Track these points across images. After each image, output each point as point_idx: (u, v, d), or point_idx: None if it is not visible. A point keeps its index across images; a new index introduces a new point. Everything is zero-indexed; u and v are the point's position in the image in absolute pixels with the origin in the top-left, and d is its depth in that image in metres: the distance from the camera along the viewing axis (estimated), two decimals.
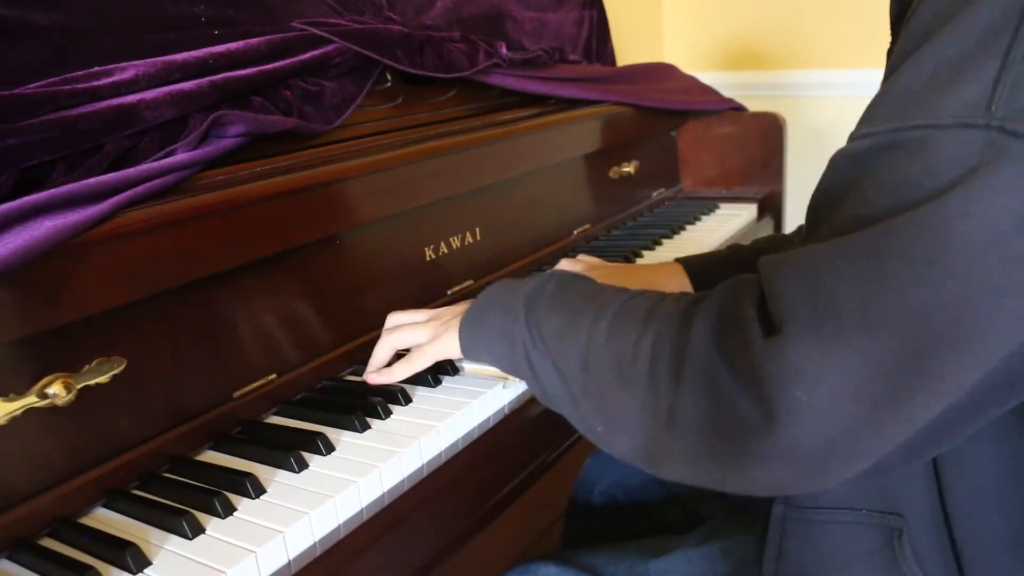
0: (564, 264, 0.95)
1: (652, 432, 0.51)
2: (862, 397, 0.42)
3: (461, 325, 0.70)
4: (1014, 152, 0.39)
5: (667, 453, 0.51)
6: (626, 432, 0.54)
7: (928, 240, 0.40)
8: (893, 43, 0.54)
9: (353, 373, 0.84)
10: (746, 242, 0.96)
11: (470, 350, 0.69)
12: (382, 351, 0.77)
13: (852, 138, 0.47)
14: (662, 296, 0.56)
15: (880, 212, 0.42)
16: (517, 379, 0.69)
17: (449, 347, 0.71)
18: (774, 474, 0.46)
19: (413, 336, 0.75)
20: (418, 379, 0.78)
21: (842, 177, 0.47)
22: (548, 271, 0.68)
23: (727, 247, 0.95)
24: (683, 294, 0.56)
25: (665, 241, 1.27)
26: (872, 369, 0.41)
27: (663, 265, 0.93)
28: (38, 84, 0.67)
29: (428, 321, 0.76)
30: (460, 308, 0.73)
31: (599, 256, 1.18)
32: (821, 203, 0.49)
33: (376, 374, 0.76)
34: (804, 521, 0.60)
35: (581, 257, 0.96)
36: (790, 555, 0.61)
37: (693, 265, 0.92)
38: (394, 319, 0.79)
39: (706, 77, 1.64)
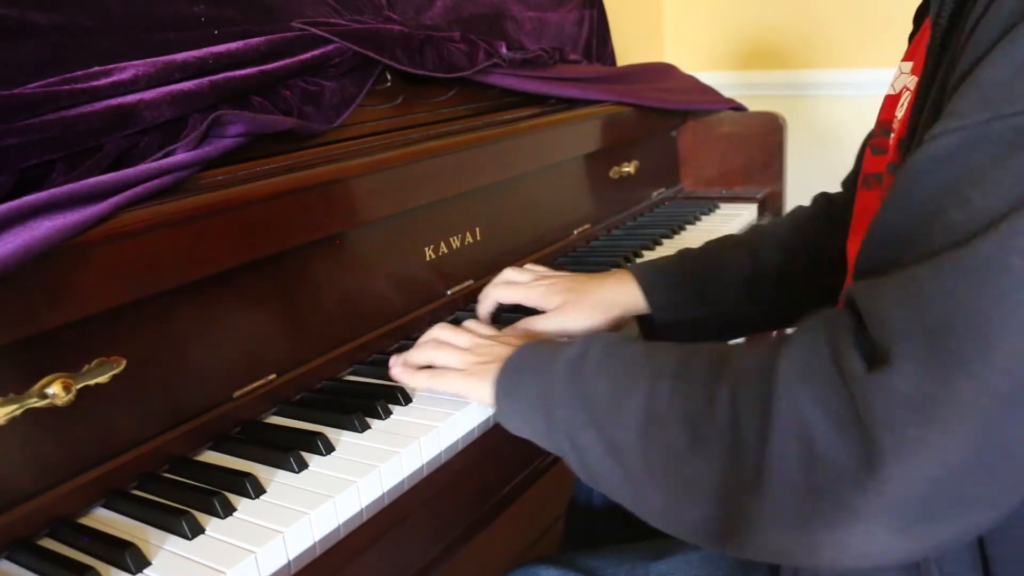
0: (508, 273, 0.91)
1: (733, 497, 0.46)
2: (977, 433, 0.38)
3: (497, 390, 0.65)
4: None
5: (749, 521, 0.45)
6: (698, 502, 0.48)
7: None
8: (937, 37, 0.51)
9: (353, 373, 0.84)
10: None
11: (505, 419, 0.65)
12: (419, 356, 0.74)
13: (933, 135, 0.42)
14: (729, 347, 0.52)
15: (986, 217, 0.38)
16: None
17: (481, 396, 0.68)
18: (872, 534, 0.41)
19: (448, 357, 0.72)
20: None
21: (929, 183, 0.42)
22: (587, 336, 0.62)
23: (676, 252, 0.90)
24: (753, 345, 0.51)
25: (665, 241, 1.27)
26: (989, 400, 0.37)
27: (611, 274, 0.88)
28: (37, 84, 0.67)
29: (469, 349, 0.72)
30: (499, 351, 0.69)
31: (599, 256, 1.18)
32: (910, 218, 0.43)
33: (400, 369, 0.74)
34: None
35: (528, 266, 0.92)
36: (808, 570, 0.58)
37: (642, 273, 0.86)
38: (436, 332, 0.76)
39: (706, 77, 1.64)
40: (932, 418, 0.38)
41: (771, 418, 0.44)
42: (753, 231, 0.92)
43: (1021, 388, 0.37)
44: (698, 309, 0.85)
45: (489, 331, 0.76)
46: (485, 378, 0.67)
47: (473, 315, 0.93)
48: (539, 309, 0.87)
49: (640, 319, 0.88)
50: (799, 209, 0.93)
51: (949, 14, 0.49)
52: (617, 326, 0.86)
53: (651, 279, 0.86)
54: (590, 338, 0.61)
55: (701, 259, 0.88)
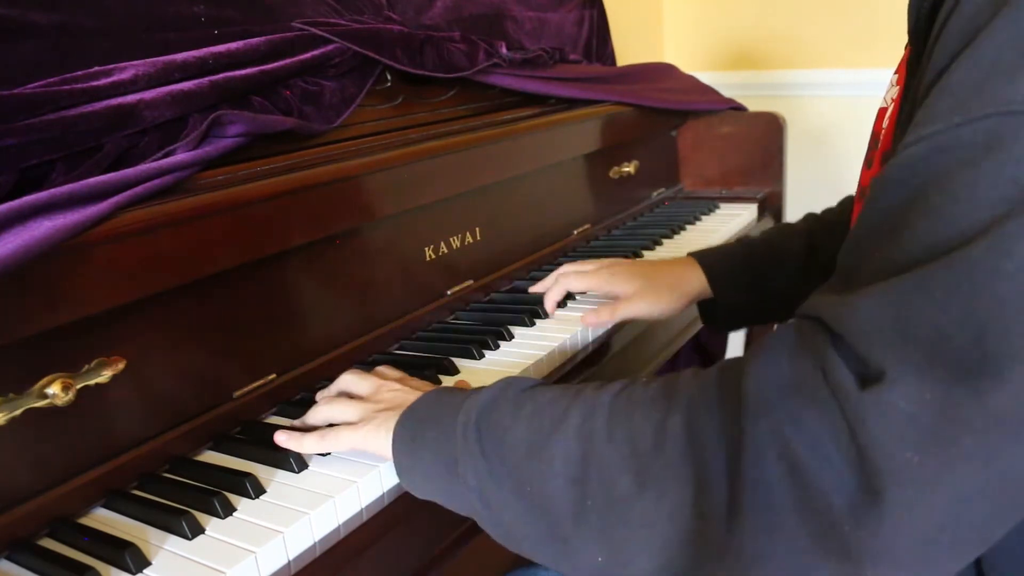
0: (567, 268, 0.94)
1: (695, 539, 0.41)
2: (985, 459, 0.34)
3: (394, 440, 0.57)
4: None
5: (721, 563, 0.40)
6: (647, 550, 0.43)
7: None
8: (915, 53, 0.50)
9: None
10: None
11: (406, 478, 0.58)
12: (312, 418, 0.66)
13: (905, 145, 0.40)
14: (675, 374, 0.47)
15: (964, 223, 0.36)
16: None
17: (378, 447, 0.59)
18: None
19: (343, 413, 0.64)
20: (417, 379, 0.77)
21: (899, 193, 0.40)
22: (497, 381, 0.56)
23: (736, 240, 0.95)
24: (700, 369, 0.47)
25: (665, 241, 1.27)
26: (996, 421, 0.34)
27: (677, 260, 0.93)
28: (38, 84, 0.67)
29: (368, 396, 0.65)
30: (403, 397, 0.62)
31: (599, 256, 1.18)
32: (875, 230, 0.41)
33: (285, 436, 0.64)
34: None
35: (585, 263, 0.95)
36: None
37: (706, 259, 0.91)
38: (340, 381, 0.70)
39: (706, 77, 1.64)
40: (936, 439, 0.34)
41: (744, 444, 0.39)
42: (808, 219, 0.96)
43: None
44: (758, 294, 0.89)
45: (398, 374, 0.70)
46: (382, 427, 0.59)
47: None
48: (606, 296, 0.91)
49: (700, 304, 0.93)
50: (849, 198, 0.96)
51: (923, 26, 0.47)
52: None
53: (715, 265, 0.90)
54: (501, 382, 0.55)
55: (761, 247, 0.92)
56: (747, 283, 0.90)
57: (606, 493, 0.44)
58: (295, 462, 0.64)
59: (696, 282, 0.89)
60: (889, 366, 0.36)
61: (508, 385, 0.55)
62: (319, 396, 0.71)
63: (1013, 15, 0.38)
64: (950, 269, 0.36)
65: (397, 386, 0.65)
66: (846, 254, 0.45)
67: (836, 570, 0.37)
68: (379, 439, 0.59)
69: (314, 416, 0.66)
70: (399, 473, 0.58)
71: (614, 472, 0.44)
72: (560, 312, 0.95)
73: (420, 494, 0.58)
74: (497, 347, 0.86)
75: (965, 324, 0.35)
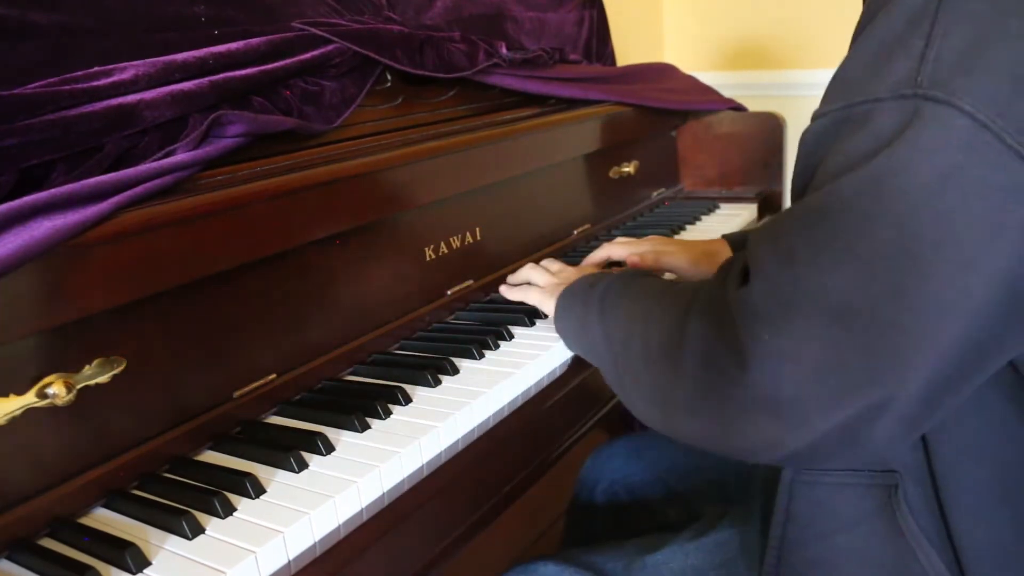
0: (616, 244, 1.04)
1: (663, 393, 0.58)
2: (822, 340, 0.46)
3: (556, 307, 0.82)
4: (933, 115, 0.44)
5: (675, 410, 0.57)
6: (643, 398, 0.62)
7: (867, 194, 0.45)
8: None
9: (353, 373, 0.84)
10: None
11: (561, 334, 0.82)
12: (516, 277, 0.98)
13: (814, 117, 0.52)
14: (698, 283, 0.62)
15: (829, 177, 0.48)
16: None
17: (547, 309, 0.85)
18: (762, 427, 0.50)
19: (539, 276, 0.93)
20: (418, 379, 0.78)
21: (811, 154, 0.53)
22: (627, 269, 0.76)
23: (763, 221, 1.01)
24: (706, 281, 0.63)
25: None
26: (826, 313, 0.46)
27: (710, 240, 1.04)
28: (38, 84, 0.67)
29: (555, 272, 0.93)
30: (571, 278, 0.86)
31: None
32: (798, 182, 0.55)
33: (505, 286, 0.97)
34: (810, 484, 0.61)
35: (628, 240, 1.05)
36: (797, 517, 0.62)
37: (734, 240, 1.01)
38: (539, 264, 0.97)
39: (706, 77, 1.64)
40: (779, 325, 0.48)
41: (684, 331, 0.56)
42: None
43: (848, 304, 0.46)
44: None
45: (575, 267, 0.96)
46: (554, 295, 0.84)
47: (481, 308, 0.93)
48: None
49: None
50: None
51: None
52: None
53: (741, 244, 0.99)
54: (627, 270, 0.75)
55: None
56: None
57: (633, 356, 0.63)
58: (295, 462, 0.64)
59: (726, 255, 0.98)
60: (753, 275, 0.51)
61: (628, 272, 0.77)
62: (510, 278, 1.00)
63: (884, 20, 0.48)
64: (807, 205, 0.49)
65: (573, 270, 0.93)
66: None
67: (737, 418, 0.51)
68: (550, 304, 0.84)
69: (518, 276, 0.97)
70: (558, 330, 0.83)
71: (639, 342, 0.63)
72: None
73: (568, 346, 0.83)
74: (497, 347, 0.86)
75: (807, 244, 0.48)
